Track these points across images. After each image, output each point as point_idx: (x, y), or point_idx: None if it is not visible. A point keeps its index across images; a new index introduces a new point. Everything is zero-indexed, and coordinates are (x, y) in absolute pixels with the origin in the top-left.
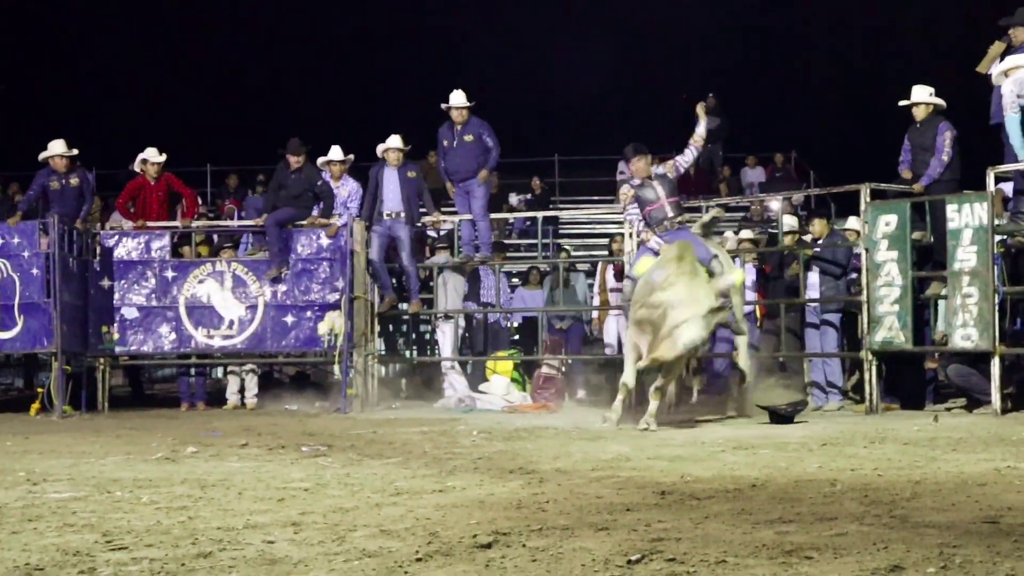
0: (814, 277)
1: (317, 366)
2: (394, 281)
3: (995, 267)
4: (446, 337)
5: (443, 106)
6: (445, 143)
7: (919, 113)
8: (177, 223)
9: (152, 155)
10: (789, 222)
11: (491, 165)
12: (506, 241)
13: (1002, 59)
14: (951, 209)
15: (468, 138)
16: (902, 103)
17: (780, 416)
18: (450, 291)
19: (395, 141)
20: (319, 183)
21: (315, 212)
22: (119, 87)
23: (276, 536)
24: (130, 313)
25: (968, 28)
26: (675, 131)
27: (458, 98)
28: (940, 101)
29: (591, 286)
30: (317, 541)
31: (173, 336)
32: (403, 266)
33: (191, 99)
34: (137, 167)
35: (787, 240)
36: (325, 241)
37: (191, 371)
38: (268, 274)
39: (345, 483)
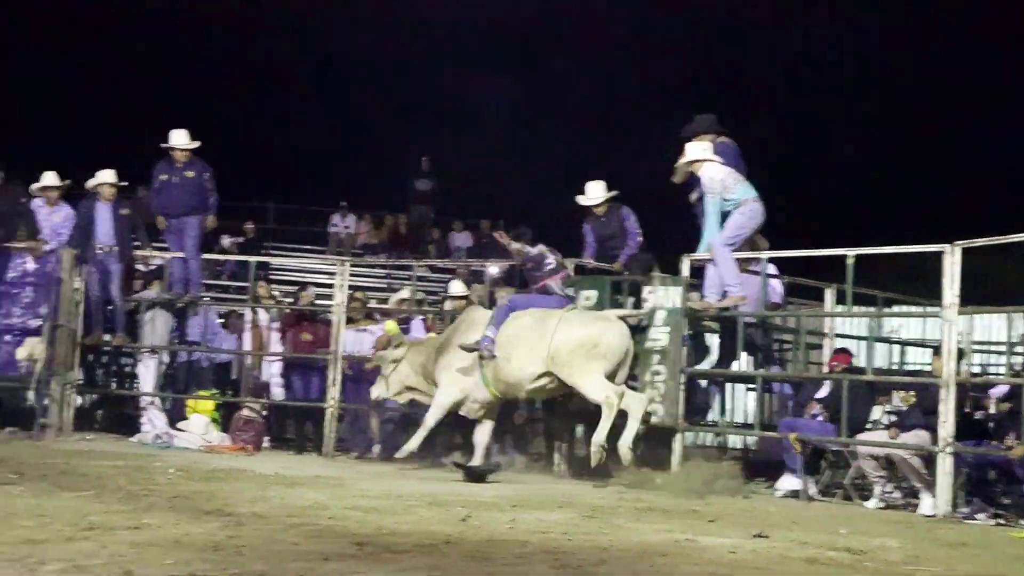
0: None
1: (12, 391)
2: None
3: (683, 347)
4: (148, 371)
5: (163, 146)
6: (163, 177)
7: (600, 209)
8: None
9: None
10: (456, 288)
11: (213, 209)
12: (217, 282)
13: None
14: (647, 291)
15: (189, 174)
16: (581, 201)
17: (473, 474)
18: (157, 327)
19: (109, 176)
20: (22, 201)
21: None
22: None
23: None
24: None
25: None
26: (389, 187)
27: (181, 138)
28: (615, 193)
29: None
30: (5, 574)
31: None
32: (111, 297)
33: None
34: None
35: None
36: (31, 266)
37: None
38: None
39: (36, 514)
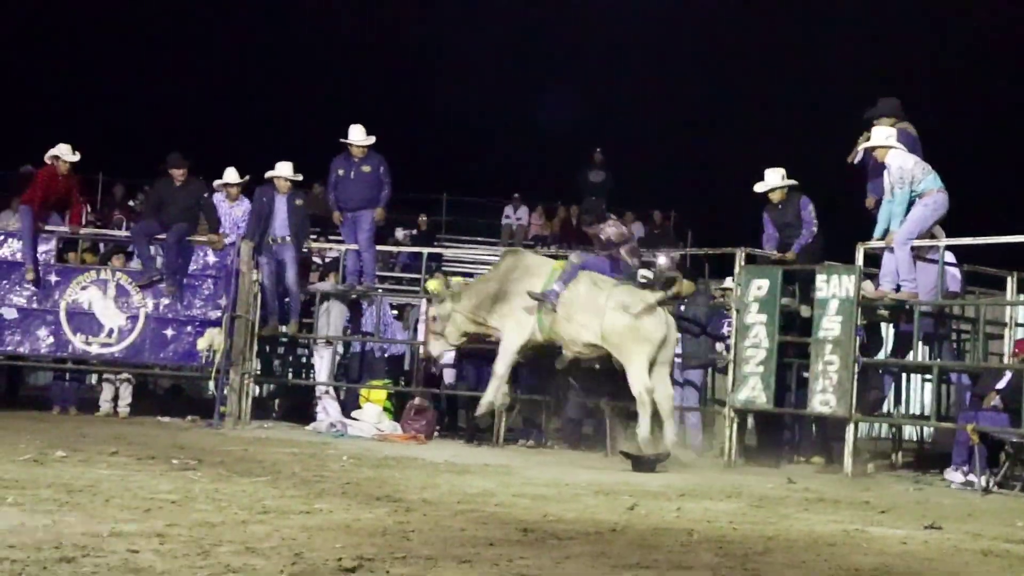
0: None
1: (193, 380)
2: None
3: (856, 337)
4: (323, 362)
5: (342, 140)
6: (340, 172)
7: (776, 196)
8: (64, 228)
9: (66, 153)
10: (662, 261)
11: (383, 202)
12: (390, 274)
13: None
14: (820, 279)
15: (366, 168)
16: (759, 188)
17: (642, 463)
18: (333, 318)
19: (286, 169)
20: (204, 196)
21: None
22: (10, 90)
23: (141, 546)
24: (9, 314)
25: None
26: (564, 176)
27: (358, 134)
28: (793, 182)
29: None
30: (182, 554)
31: (51, 340)
32: (287, 287)
33: (85, 107)
34: (48, 159)
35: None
36: (212, 258)
37: (66, 376)
38: (138, 281)
39: (213, 498)
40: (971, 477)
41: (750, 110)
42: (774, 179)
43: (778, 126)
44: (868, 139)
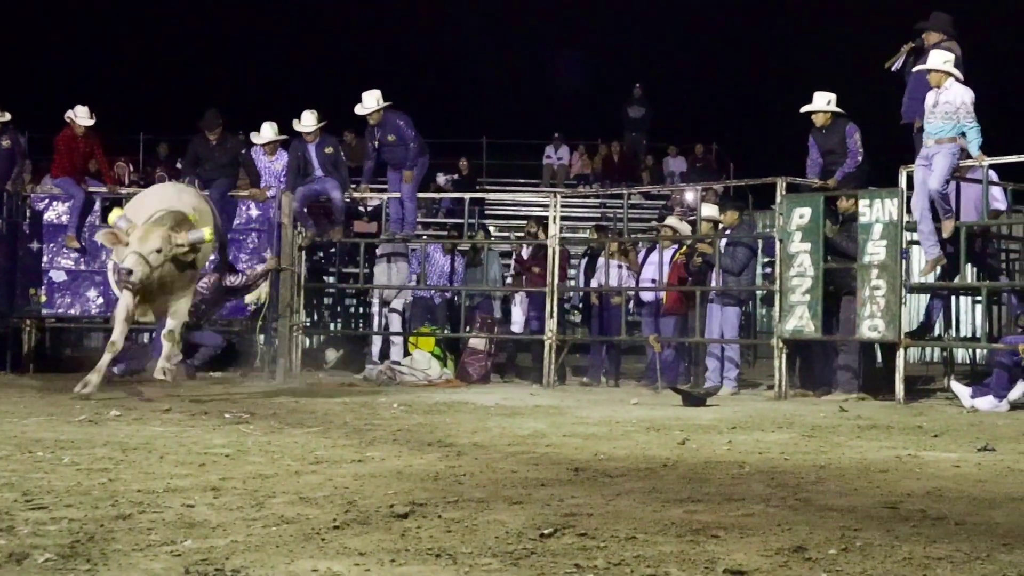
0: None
1: (242, 335)
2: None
3: (902, 261)
4: (394, 317)
5: (356, 110)
6: (376, 143)
7: (820, 119)
8: (105, 190)
9: (82, 116)
10: (708, 211)
11: (411, 163)
12: (433, 220)
13: (912, 58)
14: (863, 204)
15: (390, 138)
16: (804, 109)
17: (693, 399)
18: (384, 266)
19: (308, 119)
20: (243, 152)
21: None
22: (54, 51)
23: (196, 500)
24: (58, 276)
25: (882, 25)
26: (601, 116)
27: (368, 102)
28: (839, 110)
29: (507, 267)
30: (236, 506)
31: (100, 300)
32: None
33: (127, 66)
34: (67, 118)
35: (704, 229)
36: (254, 212)
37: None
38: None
39: (266, 450)
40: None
41: (791, 38)
42: (819, 102)
43: (820, 54)
44: (912, 48)
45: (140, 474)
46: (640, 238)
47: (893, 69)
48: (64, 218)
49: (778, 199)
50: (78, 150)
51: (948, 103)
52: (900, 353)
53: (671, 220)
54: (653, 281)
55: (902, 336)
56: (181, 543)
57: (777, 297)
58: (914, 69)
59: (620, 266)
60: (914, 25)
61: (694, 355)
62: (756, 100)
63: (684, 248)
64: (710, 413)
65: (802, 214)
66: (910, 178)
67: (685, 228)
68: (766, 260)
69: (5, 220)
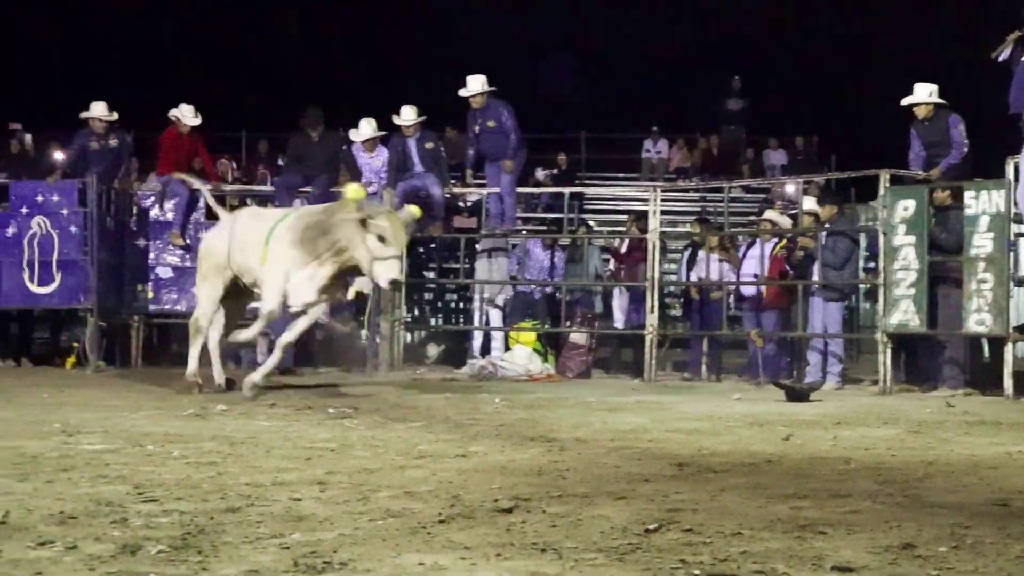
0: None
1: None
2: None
3: (1010, 253)
4: (495, 312)
5: (460, 93)
6: (477, 128)
7: (922, 111)
8: (209, 186)
9: (187, 115)
10: (808, 205)
11: (511, 154)
12: (532, 215)
13: (1020, 48)
14: (968, 196)
15: (490, 124)
16: (905, 102)
17: (796, 394)
18: (495, 271)
19: (406, 114)
20: (343, 149)
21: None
22: (159, 50)
23: (303, 494)
24: (164, 273)
25: (987, 13)
26: (700, 109)
27: (472, 85)
28: (942, 101)
29: (606, 261)
30: (342, 500)
31: None
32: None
33: (228, 65)
34: (171, 116)
35: (805, 223)
36: None
37: None
38: None
39: (370, 445)
40: None
41: (892, 28)
42: (921, 94)
43: (922, 43)
44: (1019, 37)
45: (247, 468)
46: (739, 232)
47: (1000, 59)
48: (169, 215)
49: (881, 191)
50: (183, 148)
51: None
52: (1008, 347)
53: (770, 213)
54: (754, 275)
55: (1010, 330)
56: (289, 536)
57: (881, 291)
58: (1002, 56)
59: (720, 260)
60: (1022, 12)
61: (796, 350)
62: (857, 91)
63: (784, 242)
64: (813, 408)
65: (906, 206)
66: (1018, 169)
67: (785, 221)
68: (867, 254)
69: (112, 217)
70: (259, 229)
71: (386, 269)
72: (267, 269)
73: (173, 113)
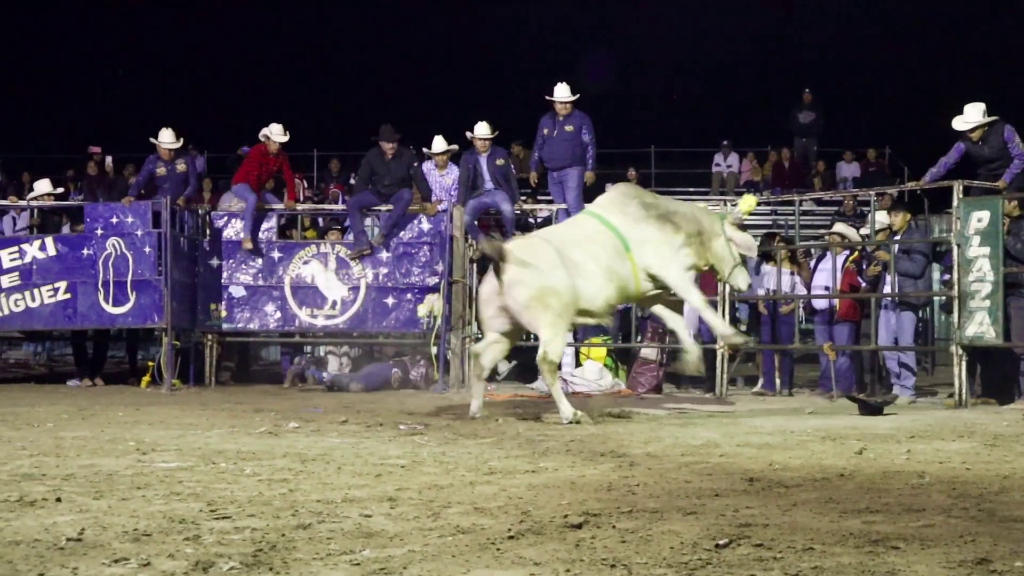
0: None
1: (415, 348)
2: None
3: None
4: None
5: (548, 98)
6: (545, 131)
7: (976, 133)
8: (282, 206)
9: (277, 133)
10: (881, 219)
11: (590, 164)
12: None
13: None
14: None
15: (569, 128)
16: (958, 126)
17: (869, 407)
18: None
19: (481, 129)
20: (415, 165)
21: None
22: (229, 75)
23: (373, 510)
24: (237, 292)
25: None
26: (770, 123)
27: (562, 91)
28: (995, 118)
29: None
30: (412, 516)
31: (278, 315)
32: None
33: (300, 86)
34: (261, 137)
35: (879, 236)
36: (426, 226)
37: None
38: (350, 255)
39: (440, 461)
40: None
41: (963, 40)
42: (975, 115)
43: (991, 55)
44: None
45: (319, 484)
46: (809, 245)
47: None
48: (241, 235)
49: (955, 203)
50: (267, 166)
51: None
52: None
53: (839, 227)
54: (826, 288)
55: None
56: (359, 552)
57: (956, 303)
58: None
59: (792, 273)
60: None
61: (872, 364)
62: (929, 103)
63: (855, 255)
64: (887, 422)
65: (980, 218)
66: None
67: (854, 234)
68: (942, 267)
69: (186, 238)
70: (592, 250)
71: (743, 278)
72: (678, 275)
73: (264, 132)
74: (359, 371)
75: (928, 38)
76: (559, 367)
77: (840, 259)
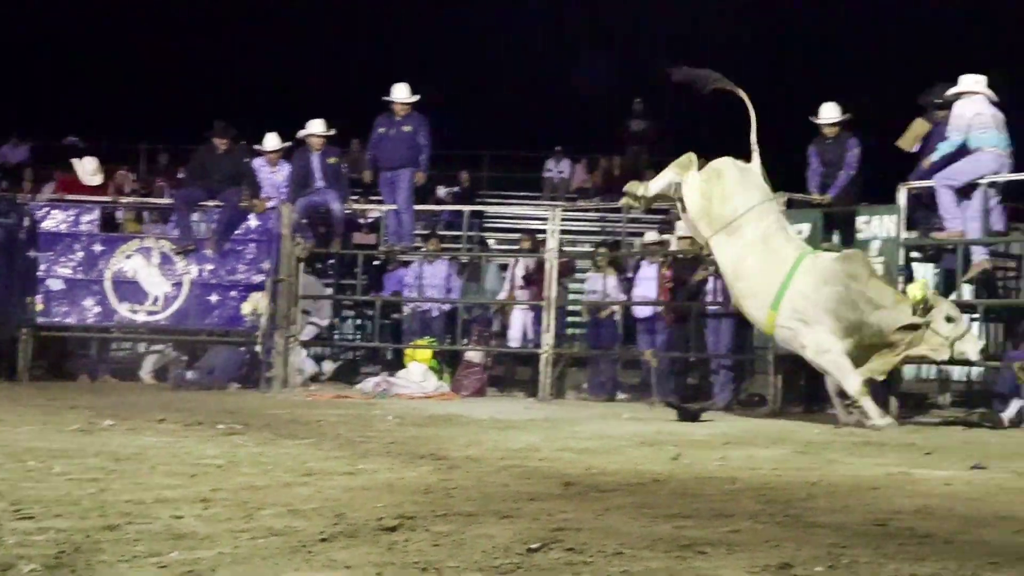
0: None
1: (239, 346)
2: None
3: (902, 277)
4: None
5: (385, 99)
6: (381, 130)
7: (830, 131)
8: (107, 198)
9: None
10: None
11: (423, 166)
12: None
13: (926, 138)
14: (861, 220)
15: (407, 128)
16: (816, 120)
17: (687, 413)
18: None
19: (316, 126)
20: (245, 161)
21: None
22: (56, 59)
23: (185, 511)
24: (55, 285)
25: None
26: (603, 129)
27: (401, 92)
28: (848, 116)
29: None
30: (225, 518)
31: (98, 309)
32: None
33: (127, 75)
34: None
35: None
36: (253, 223)
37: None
38: (174, 249)
39: (258, 462)
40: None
41: (765, 47)
42: (831, 113)
43: (835, 63)
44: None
45: (130, 484)
46: (627, 253)
47: (909, 149)
48: (62, 227)
49: None
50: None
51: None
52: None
53: (651, 235)
54: (647, 296)
55: None
56: (167, 555)
57: None
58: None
59: (606, 277)
60: (919, 99)
61: (686, 369)
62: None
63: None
64: (704, 428)
65: (800, 230)
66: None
67: (672, 241)
68: None
69: (2, 227)
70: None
71: (972, 343)
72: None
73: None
74: (205, 361)
75: (767, 48)
76: None
77: (654, 267)
